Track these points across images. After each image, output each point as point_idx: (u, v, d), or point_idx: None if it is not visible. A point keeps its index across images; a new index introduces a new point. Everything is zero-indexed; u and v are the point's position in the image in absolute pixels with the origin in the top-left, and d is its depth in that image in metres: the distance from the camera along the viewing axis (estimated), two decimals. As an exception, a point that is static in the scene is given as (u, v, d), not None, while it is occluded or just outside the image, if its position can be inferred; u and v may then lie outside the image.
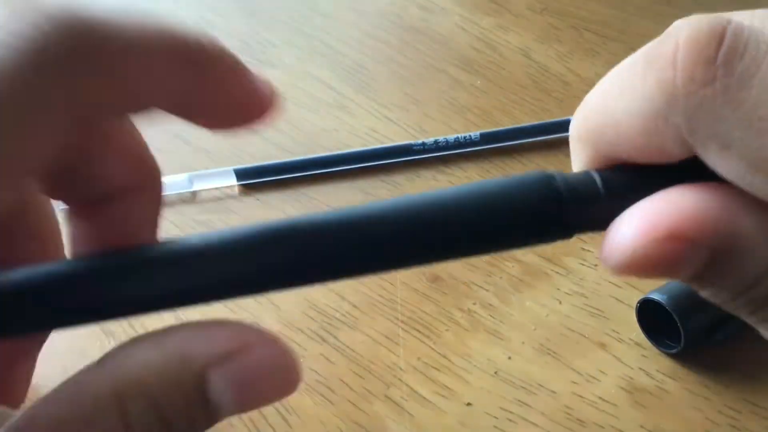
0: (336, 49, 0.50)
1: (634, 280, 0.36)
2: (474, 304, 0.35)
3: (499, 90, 0.46)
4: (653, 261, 0.17)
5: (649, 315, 0.33)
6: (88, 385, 0.16)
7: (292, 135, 0.44)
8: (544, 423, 0.31)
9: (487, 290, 0.36)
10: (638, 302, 0.33)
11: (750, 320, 0.18)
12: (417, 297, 0.36)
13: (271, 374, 0.17)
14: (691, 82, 0.15)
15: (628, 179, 0.19)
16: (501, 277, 0.36)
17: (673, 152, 0.17)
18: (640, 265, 0.18)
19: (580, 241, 0.38)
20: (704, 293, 0.19)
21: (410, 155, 0.42)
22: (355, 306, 0.36)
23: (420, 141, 0.42)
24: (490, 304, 0.35)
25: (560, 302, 0.35)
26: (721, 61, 0.15)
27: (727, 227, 0.17)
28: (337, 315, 0.35)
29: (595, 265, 0.37)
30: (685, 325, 0.32)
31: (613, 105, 0.18)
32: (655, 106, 0.16)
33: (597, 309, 0.35)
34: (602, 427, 0.31)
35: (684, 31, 0.16)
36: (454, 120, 0.45)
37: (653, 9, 0.52)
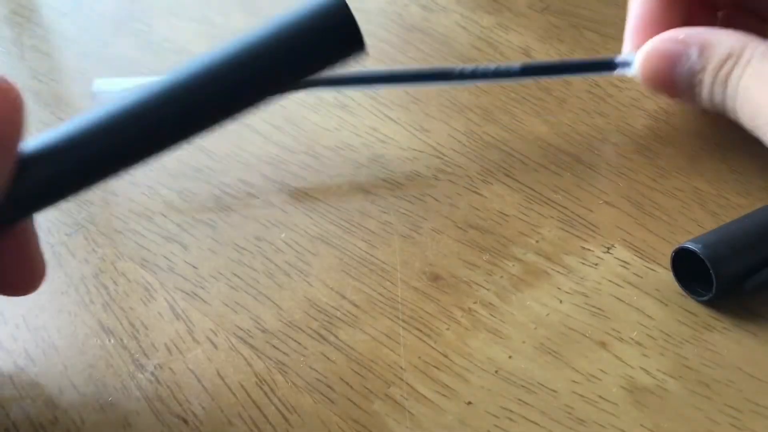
0: (337, 48, 0.50)
1: (637, 280, 0.36)
2: (475, 303, 0.35)
3: (500, 89, 0.46)
4: (661, 55, 0.36)
5: (683, 265, 0.35)
6: None
7: (293, 134, 0.44)
8: (544, 422, 0.31)
9: (487, 289, 0.36)
10: (673, 251, 0.35)
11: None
12: (418, 296, 0.36)
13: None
14: None
15: None
16: (501, 277, 0.36)
17: None
18: (654, 61, 0.37)
19: (580, 240, 0.38)
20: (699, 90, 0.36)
21: (449, 80, 0.42)
22: (355, 305, 0.36)
23: (459, 66, 0.42)
24: (491, 304, 0.35)
25: (561, 301, 0.35)
26: None
27: (705, 36, 0.34)
28: (338, 314, 0.35)
29: (596, 264, 0.37)
30: (718, 273, 0.33)
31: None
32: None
33: (598, 308, 0.35)
34: (603, 427, 0.31)
35: None
36: (455, 119, 0.45)
37: (654, 8, 0.52)
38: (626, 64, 0.40)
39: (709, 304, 0.35)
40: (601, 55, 0.49)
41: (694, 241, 0.34)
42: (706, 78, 0.35)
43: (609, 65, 0.41)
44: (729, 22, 0.41)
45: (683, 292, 0.35)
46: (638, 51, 0.36)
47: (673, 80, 0.36)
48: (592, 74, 0.44)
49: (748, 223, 0.35)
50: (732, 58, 0.33)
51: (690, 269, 0.35)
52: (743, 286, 0.34)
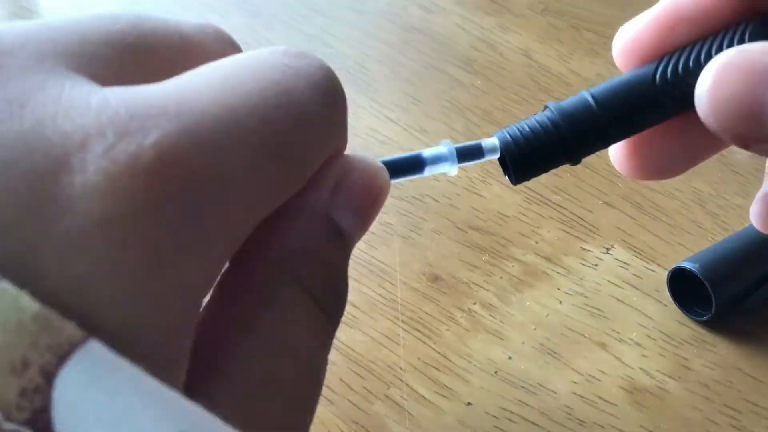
0: (336, 49, 0.50)
1: (636, 281, 0.36)
2: (474, 304, 0.35)
3: (500, 90, 0.46)
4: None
5: (680, 284, 0.35)
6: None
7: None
8: (544, 423, 0.31)
9: (487, 290, 0.36)
10: (669, 271, 0.35)
11: None
12: (417, 297, 0.36)
13: (371, 182, 0.19)
14: None
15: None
16: (501, 277, 0.36)
17: None
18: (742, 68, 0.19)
19: (580, 241, 0.38)
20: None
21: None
22: (355, 306, 0.36)
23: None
24: (491, 304, 0.35)
25: (560, 302, 0.35)
26: None
27: None
28: (338, 315, 0.35)
29: (595, 265, 0.37)
30: (716, 293, 0.33)
31: None
32: None
33: (597, 309, 0.35)
34: (602, 427, 0.31)
35: None
36: (455, 120, 0.45)
37: (654, 9, 0.52)
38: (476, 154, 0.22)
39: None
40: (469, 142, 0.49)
41: (692, 260, 0.34)
42: None
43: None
44: None
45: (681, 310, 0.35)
46: (704, 70, 0.19)
47: (762, 111, 0.19)
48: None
49: (744, 240, 0.35)
50: None
51: (687, 287, 0.34)
52: (743, 305, 0.34)
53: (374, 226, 0.39)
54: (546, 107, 0.20)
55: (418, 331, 0.35)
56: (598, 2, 0.53)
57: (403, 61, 0.49)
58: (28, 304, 0.12)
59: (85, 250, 0.13)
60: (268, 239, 0.17)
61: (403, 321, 0.35)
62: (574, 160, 0.21)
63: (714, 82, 0.19)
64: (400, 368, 0.33)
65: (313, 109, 0.17)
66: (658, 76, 0.20)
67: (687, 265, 0.33)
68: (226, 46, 0.19)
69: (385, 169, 0.19)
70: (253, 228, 0.16)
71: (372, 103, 0.46)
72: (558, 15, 0.52)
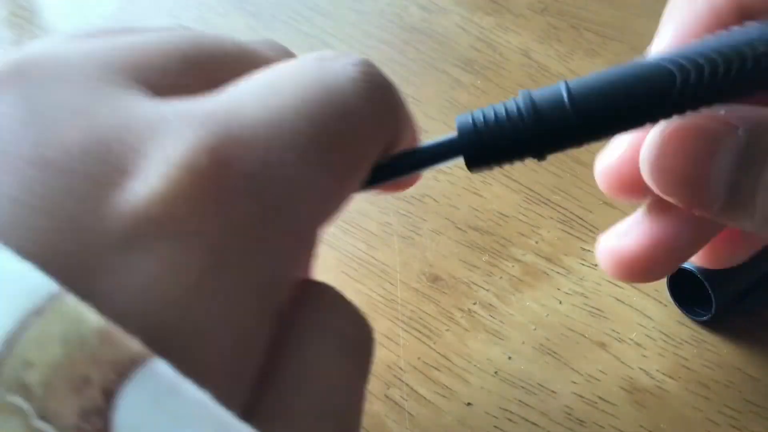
0: (336, 49, 0.50)
1: (636, 279, 0.36)
2: (474, 304, 0.35)
3: (500, 90, 0.46)
4: (696, 133, 0.18)
5: (680, 284, 0.35)
6: None
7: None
8: (544, 423, 0.31)
9: (487, 290, 0.36)
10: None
11: None
12: (417, 297, 0.36)
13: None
14: None
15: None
16: (501, 277, 0.36)
17: None
18: (683, 138, 0.18)
19: (580, 241, 0.38)
20: (736, 220, 0.19)
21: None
22: (355, 306, 0.36)
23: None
24: (490, 304, 0.35)
25: (560, 302, 0.35)
26: None
27: (754, 115, 0.18)
28: (337, 315, 0.35)
29: (595, 265, 0.37)
30: (716, 293, 0.33)
31: None
32: None
33: (597, 309, 0.35)
34: (602, 427, 0.31)
35: None
36: (455, 119, 0.45)
37: (653, 9, 0.52)
38: None
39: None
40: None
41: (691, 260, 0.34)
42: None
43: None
44: None
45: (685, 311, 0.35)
46: (648, 139, 0.19)
47: (705, 180, 0.19)
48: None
49: None
50: None
51: (686, 287, 0.34)
52: (743, 305, 0.34)
53: (374, 226, 0.39)
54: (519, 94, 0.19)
55: (418, 331, 0.35)
56: (598, 2, 0.53)
57: (403, 61, 0.49)
58: (90, 316, 0.11)
59: (148, 253, 0.13)
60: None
61: (402, 321, 0.35)
62: (539, 157, 0.19)
63: (660, 151, 0.19)
64: (400, 368, 0.33)
65: (354, 102, 0.17)
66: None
67: (686, 265, 0.33)
68: (281, 54, 0.20)
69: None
70: (317, 228, 0.16)
71: (372, 103, 0.46)
72: (558, 15, 0.52)
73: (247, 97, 0.16)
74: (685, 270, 0.34)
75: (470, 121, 0.19)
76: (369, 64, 0.19)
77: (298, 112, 0.16)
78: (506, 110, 0.18)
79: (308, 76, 0.17)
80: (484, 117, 0.19)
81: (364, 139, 0.18)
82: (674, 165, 0.19)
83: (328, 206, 0.16)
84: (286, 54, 0.20)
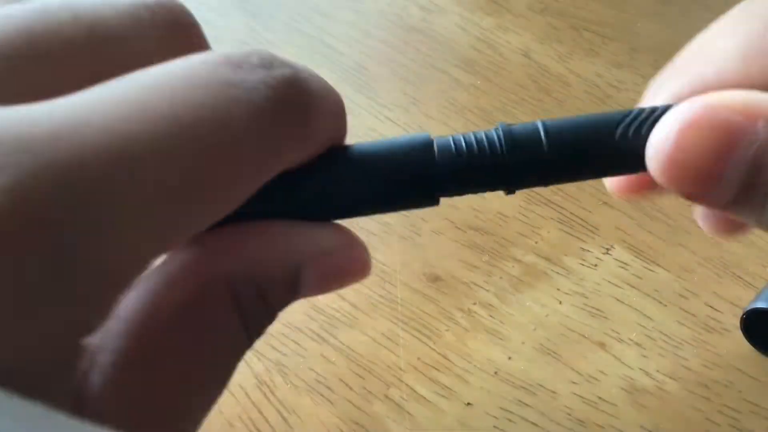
0: (336, 49, 0.50)
1: (636, 281, 0.36)
2: (474, 304, 0.35)
3: (499, 90, 0.46)
4: (712, 130, 0.16)
5: (754, 324, 0.33)
6: (199, 270, 0.16)
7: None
8: (544, 423, 0.31)
9: (487, 290, 0.36)
10: (743, 313, 0.33)
11: None
12: (417, 297, 0.36)
13: (350, 270, 0.18)
14: None
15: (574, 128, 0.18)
16: (501, 277, 0.36)
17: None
18: (697, 139, 0.17)
19: (580, 241, 0.38)
20: (752, 216, 0.18)
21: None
22: (355, 306, 0.36)
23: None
24: (490, 305, 0.35)
25: (560, 302, 0.35)
26: None
27: None
28: (338, 315, 0.35)
29: (595, 265, 0.37)
30: None
31: (706, 48, 0.16)
32: (755, 42, 0.15)
33: (597, 309, 0.35)
34: (602, 427, 0.31)
35: None
36: (454, 120, 0.45)
37: (653, 9, 0.52)
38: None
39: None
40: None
41: (763, 299, 0.33)
42: None
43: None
44: None
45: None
46: (663, 126, 0.17)
47: (719, 176, 0.18)
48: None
49: None
50: None
51: (761, 327, 0.33)
52: None
53: (374, 226, 0.39)
54: (497, 126, 0.18)
55: (418, 331, 0.35)
56: (597, 2, 0.53)
57: (403, 61, 0.49)
58: None
59: None
60: (228, 249, 0.16)
61: (403, 321, 0.35)
62: (509, 191, 0.18)
63: (676, 145, 0.17)
64: (400, 368, 0.33)
65: (246, 138, 0.14)
66: (619, 130, 0.18)
67: (761, 305, 0.32)
68: (166, 39, 0.15)
69: (370, 258, 0.18)
70: (143, 267, 0.14)
71: (371, 103, 0.46)
72: (557, 15, 0.52)
73: (92, 114, 0.12)
74: (759, 309, 0.33)
75: (451, 145, 0.18)
76: (291, 78, 0.15)
77: (156, 144, 0.12)
78: (485, 139, 0.18)
79: (192, 96, 0.13)
80: (455, 144, 0.18)
81: (240, 184, 0.14)
82: (690, 160, 0.17)
83: (157, 251, 0.14)
84: (173, 35, 0.16)
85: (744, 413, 0.31)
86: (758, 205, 0.18)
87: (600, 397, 0.32)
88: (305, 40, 0.50)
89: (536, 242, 0.38)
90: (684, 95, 0.18)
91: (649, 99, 0.19)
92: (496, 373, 0.33)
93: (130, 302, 0.15)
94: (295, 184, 0.17)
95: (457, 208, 0.40)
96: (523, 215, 0.39)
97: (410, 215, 0.40)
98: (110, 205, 0.12)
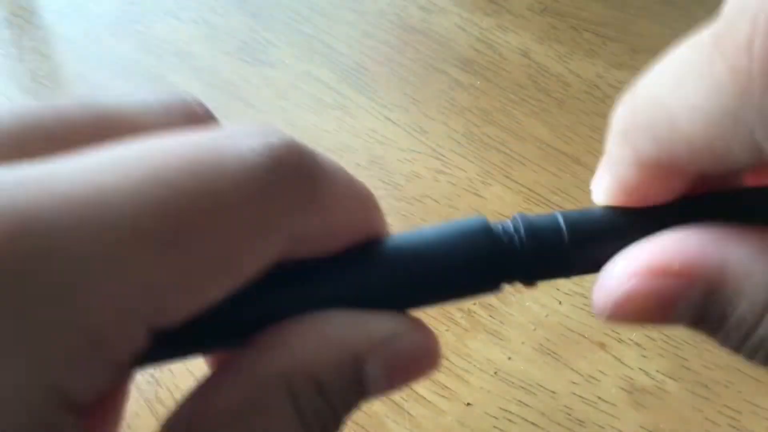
0: (336, 49, 0.50)
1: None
2: (474, 304, 0.35)
3: (499, 90, 0.46)
4: (647, 299, 0.16)
5: None
6: (252, 371, 0.15)
7: (293, 135, 0.44)
8: (543, 423, 0.31)
9: (487, 290, 0.36)
10: None
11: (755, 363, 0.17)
12: (417, 297, 0.36)
13: (419, 358, 0.17)
14: None
15: (596, 224, 0.17)
16: (501, 278, 0.37)
17: (739, 158, 0.14)
18: (633, 305, 0.16)
19: (580, 242, 0.38)
20: (716, 339, 0.17)
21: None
22: (355, 306, 0.36)
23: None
24: (490, 305, 0.35)
25: (560, 302, 0.35)
26: None
27: (718, 261, 0.15)
28: (337, 315, 0.35)
29: (595, 266, 0.37)
30: None
31: (669, 97, 0.15)
32: (723, 101, 0.13)
33: (597, 309, 0.35)
34: (602, 427, 0.31)
35: (763, 12, 0.12)
36: (454, 120, 0.45)
37: (653, 9, 0.52)
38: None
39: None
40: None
41: None
42: (734, 326, 0.17)
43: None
44: None
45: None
46: (598, 290, 0.17)
47: (667, 321, 0.17)
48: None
49: None
50: None
51: None
52: None
53: (374, 227, 0.39)
54: (514, 218, 0.17)
55: (418, 331, 0.35)
56: (597, 2, 0.53)
57: (403, 61, 0.49)
58: None
59: None
60: (281, 346, 0.15)
61: (402, 321, 0.35)
62: (530, 284, 0.17)
63: (613, 308, 0.17)
64: (400, 368, 0.33)
65: (236, 198, 0.13)
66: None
67: None
68: (176, 122, 0.16)
69: (440, 346, 0.17)
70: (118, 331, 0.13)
71: (371, 103, 0.46)
72: (557, 15, 0.52)
73: (79, 172, 0.12)
74: None
75: (500, 231, 0.17)
76: (293, 152, 0.15)
77: (133, 204, 0.12)
78: (508, 233, 0.17)
79: (184, 162, 0.13)
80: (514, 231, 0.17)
81: (225, 258, 0.14)
82: (633, 318, 0.17)
83: (154, 296, 0.13)
84: (195, 119, 0.16)
85: (744, 413, 0.31)
86: (725, 335, 0.17)
87: (600, 397, 0.32)
88: (305, 40, 0.50)
89: (536, 242, 0.38)
90: (650, 161, 0.16)
91: (613, 151, 0.18)
92: (495, 373, 0.33)
93: (183, 410, 0.15)
94: (332, 278, 0.16)
95: (457, 209, 0.40)
96: (523, 215, 0.39)
97: (410, 216, 0.40)
98: (76, 261, 0.12)
